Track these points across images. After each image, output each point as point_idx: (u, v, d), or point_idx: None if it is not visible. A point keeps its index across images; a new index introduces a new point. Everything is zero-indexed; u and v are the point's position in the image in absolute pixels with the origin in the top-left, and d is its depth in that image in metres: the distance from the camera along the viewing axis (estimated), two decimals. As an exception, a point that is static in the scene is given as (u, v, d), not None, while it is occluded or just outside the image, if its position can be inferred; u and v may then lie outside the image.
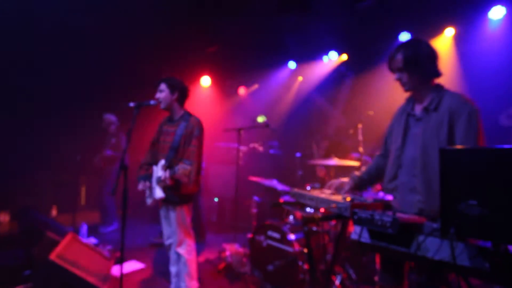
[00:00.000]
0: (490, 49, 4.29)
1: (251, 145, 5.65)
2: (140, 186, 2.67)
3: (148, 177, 2.71)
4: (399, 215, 1.36)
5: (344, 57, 5.99)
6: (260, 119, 6.10)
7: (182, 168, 2.36)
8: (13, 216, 5.03)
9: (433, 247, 1.28)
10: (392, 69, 1.85)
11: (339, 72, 6.26)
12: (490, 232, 0.98)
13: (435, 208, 1.53)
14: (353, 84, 6.16)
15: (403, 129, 1.87)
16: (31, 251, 3.27)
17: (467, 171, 1.03)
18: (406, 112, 1.91)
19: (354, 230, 1.57)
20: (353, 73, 6.23)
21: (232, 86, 7.33)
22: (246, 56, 6.49)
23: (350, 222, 3.18)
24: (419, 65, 1.74)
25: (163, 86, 2.68)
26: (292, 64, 6.67)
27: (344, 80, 6.29)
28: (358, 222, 1.42)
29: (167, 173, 2.41)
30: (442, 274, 1.49)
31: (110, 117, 5.16)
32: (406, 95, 1.97)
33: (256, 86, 7.30)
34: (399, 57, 1.76)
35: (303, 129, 6.33)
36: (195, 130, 2.63)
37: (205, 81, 7.15)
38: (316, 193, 1.91)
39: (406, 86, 1.82)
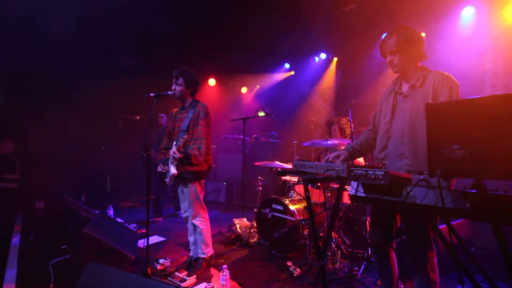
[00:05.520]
0: (460, 48, 4.24)
1: (254, 135, 5.66)
2: (159, 168, 2.71)
3: (166, 160, 2.73)
4: (389, 170, 1.37)
5: (335, 59, 6.04)
6: (261, 114, 6.14)
7: (181, 137, 2.44)
8: (47, 202, 5.06)
9: (420, 194, 1.30)
10: (384, 53, 1.85)
11: (329, 71, 6.28)
12: (472, 170, 0.99)
13: (421, 169, 1.55)
14: (341, 80, 6.17)
15: (392, 105, 1.88)
16: (67, 227, 3.30)
17: (449, 121, 1.05)
18: (393, 91, 1.91)
19: (351, 186, 1.58)
20: (341, 72, 6.25)
21: (235, 86, 7.33)
22: (247, 60, 6.51)
23: (344, 194, 3.21)
24: (410, 48, 1.74)
25: (181, 80, 2.69)
26: (287, 65, 6.72)
27: (333, 77, 6.30)
28: (354, 178, 1.43)
29: (174, 147, 2.45)
30: (430, 219, 1.50)
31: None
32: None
33: (257, 86, 7.30)
34: (392, 40, 1.76)
35: (298, 121, 6.34)
36: (201, 113, 2.66)
37: (211, 82, 7.16)
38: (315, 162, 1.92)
39: (396, 68, 1.81)
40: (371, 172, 1.38)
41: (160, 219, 4.61)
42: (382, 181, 1.33)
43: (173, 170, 2.58)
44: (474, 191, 1.13)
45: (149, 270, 2.40)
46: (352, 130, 2.94)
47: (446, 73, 1.71)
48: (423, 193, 1.30)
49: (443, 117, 1.06)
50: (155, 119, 4.68)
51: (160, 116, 5.00)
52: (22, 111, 5.13)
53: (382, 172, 1.33)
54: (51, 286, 2.41)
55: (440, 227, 1.92)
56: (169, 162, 2.65)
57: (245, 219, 3.76)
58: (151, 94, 2.56)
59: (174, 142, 2.60)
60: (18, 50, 4.58)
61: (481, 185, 1.00)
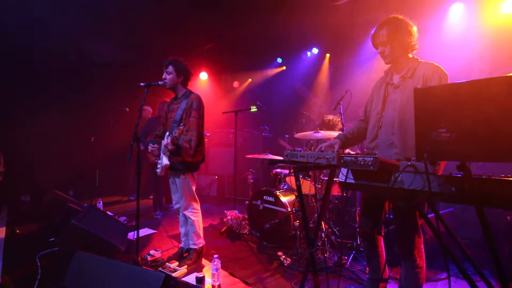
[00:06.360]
0: (448, 44, 4.29)
1: (246, 129, 5.66)
2: (149, 148, 2.64)
3: (155, 142, 2.69)
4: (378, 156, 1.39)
5: (327, 55, 6.09)
6: (253, 108, 6.14)
7: (178, 129, 2.41)
8: (33, 196, 4.95)
9: (408, 180, 1.33)
10: (376, 45, 1.86)
11: (321, 66, 6.31)
12: (456, 152, 1.02)
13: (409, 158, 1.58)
14: (333, 75, 6.21)
15: (383, 96, 1.89)
16: (55, 220, 3.24)
17: (436, 105, 1.07)
18: (385, 82, 1.93)
19: (341, 173, 1.60)
20: (333, 66, 6.28)
21: (227, 80, 7.29)
22: (239, 54, 6.47)
23: (334, 187, 3.25)
24: (400, 39, 1.75)
25: (170, 68, 2.66)
26: (279, 60, 6.72)
27: (325, 72, 6.33)
28: (344, 164, 1.45)
29: (168, 139, 2.42)
30: (417, 203, 1.53)
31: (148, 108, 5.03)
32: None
33: (249, 80, 7.29)
34: (383, 32, 1.77)
35: (290, 115, 6.36)
36: (194, 104, 2.64)
37: (203, 75, 7.10)
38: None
39: (387, 59, 1.83)
40: (360, 158, 1.40)
41: (159, 216, 4.42)
42: (372, 167, 1.35)
43: (165, 161, 2.55)
44: (459, 175, 1.16)
45: (139, 260, 2.39)
46: (343, 122, 2.97)
47: (435, 63, 1.74)
48: (411, 178, 1.33)
49: (431, 102, 1.09)
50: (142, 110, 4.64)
51: (144, 109, 4.93)
52: (7, 103, 4.98)
53: (372, 158, 1.36)
54: (38, 279, 2.37)
55: (429, 216, 1.97)
56: (161, 152, 2.62)
57: (236, 211, 3.77)
58: (141, 84, 2.53)
59: (167, 133, 2.57)
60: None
61: (466, 167, 1.03)
